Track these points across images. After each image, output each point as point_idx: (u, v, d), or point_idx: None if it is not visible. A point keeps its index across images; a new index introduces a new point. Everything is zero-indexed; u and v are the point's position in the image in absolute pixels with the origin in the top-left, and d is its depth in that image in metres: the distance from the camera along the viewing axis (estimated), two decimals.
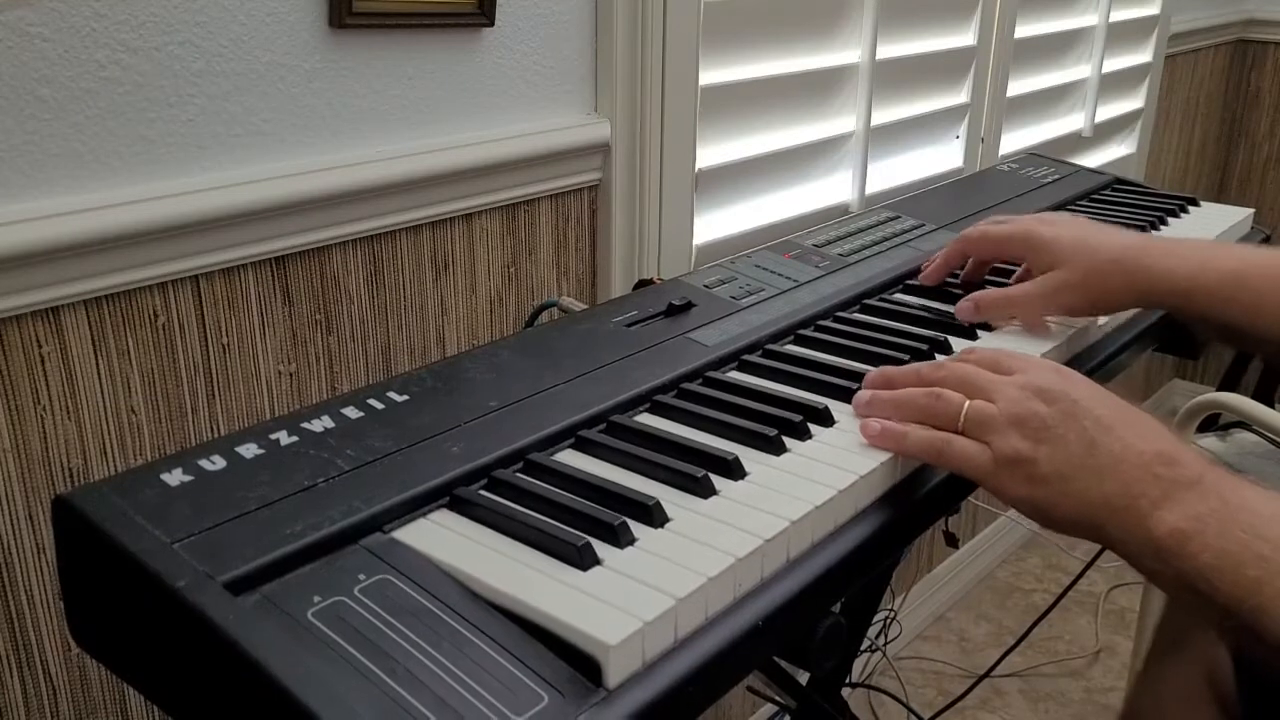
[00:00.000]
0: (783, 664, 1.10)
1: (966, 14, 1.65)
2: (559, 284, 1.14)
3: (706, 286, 0.86)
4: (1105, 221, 1.13)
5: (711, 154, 1.26)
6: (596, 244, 1.17)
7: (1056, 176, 1.30)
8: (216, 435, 0.87)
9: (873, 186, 1.50)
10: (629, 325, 0.78)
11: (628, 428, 0.65)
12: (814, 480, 0.60)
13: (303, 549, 0.50)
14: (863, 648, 1.67)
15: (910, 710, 1.86)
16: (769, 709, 1.72)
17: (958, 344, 0.81)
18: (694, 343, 0.77)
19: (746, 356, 0.77)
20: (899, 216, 1.10)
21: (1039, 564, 2.38)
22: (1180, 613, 0.99)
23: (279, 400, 0.93)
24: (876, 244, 1.01)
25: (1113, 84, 2.12)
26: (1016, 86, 1.81)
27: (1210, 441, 1.67)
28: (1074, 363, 0.85)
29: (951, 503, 0.68)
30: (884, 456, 0.64)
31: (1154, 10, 2.19)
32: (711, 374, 0.74)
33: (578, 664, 0.46)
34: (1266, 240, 1.23)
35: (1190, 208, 1.23)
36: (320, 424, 0.60)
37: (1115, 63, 2.11)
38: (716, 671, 0.50)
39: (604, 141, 1.12)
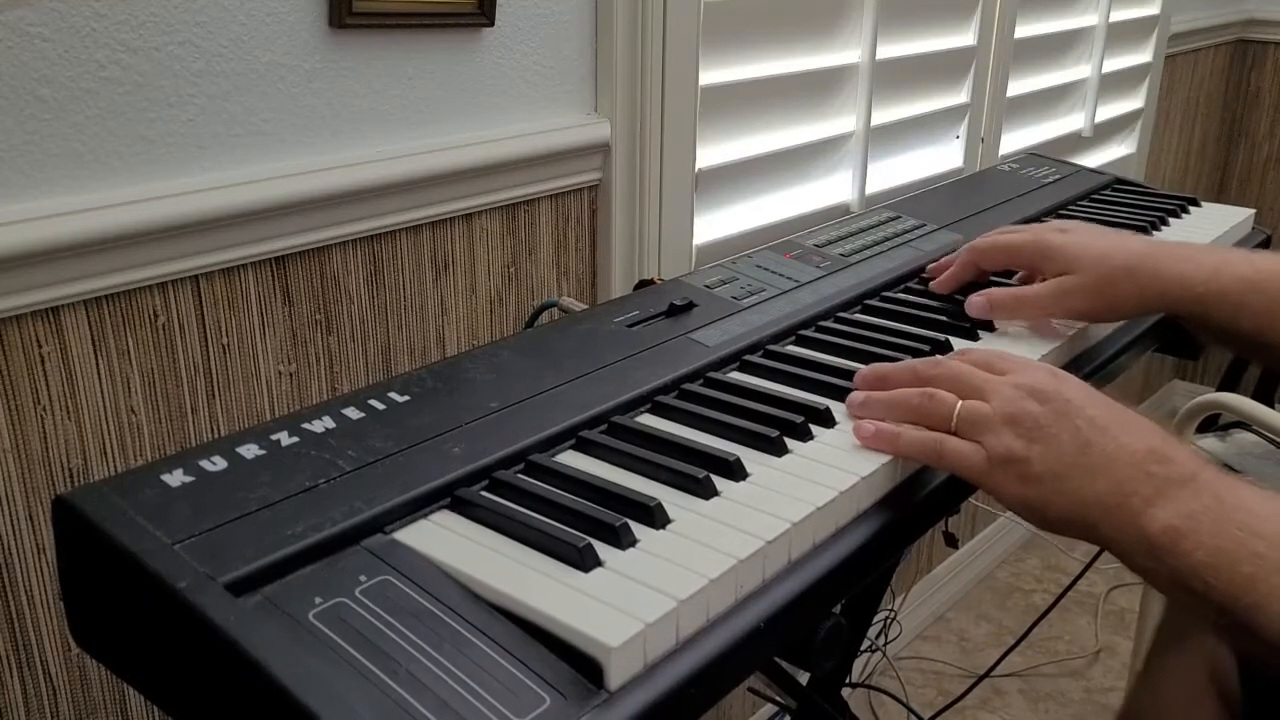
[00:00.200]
0: (783, 664, 1.10)
1: (966, 14, 1.65)
2: (559, 284, 1.14)
3: (707, 287, 0.86)
4: (1105, 222, 1.13)
5: (711, 154, 1.26)
6: (596, 244, 1.17)
7: (1057, 176, 1.30)
8: (217, 435, 0.87)
9: (873, 186, 1.49)
10: (630, 325, 0.78)
11: (629, 428, 0.65)
12: (815, 481, 0.60)
13: (304, 550, 0.50)
14: (863, 648, 1.67)
15: (910, 710, 1.86)
16: (769, 709, 1.72)
17: (959, 344, 0.81)
18: (695, 343, 0.77)
19: (748, 357, 0.77)
20: (900, 216, 1.10)
21: (1039, 564, 2.38)
22: (1182, 611, 0.99)
23: (279, 400, 0.93)
24: (877, 244, 1.01)
25: (1113, 84, 2.12)
26: (1016, 86, 1.81)
27: (1210, 441, 1.67)
28: (1075, 363, 0.85)
29: (952, 504, 0.68)
30: (885, 458, 0.64)
31: (1154, 10, 2.19)
32: (713, 374, 0.73)
33: (579, 665, 0.46)
34: (1267, 240, 1.23)
35: (1190, 208, 1.22)
36: (321, 424, 0.60)
37: (1115, 63, 2.11)
38: (718, 673, 0.50)
39: (604, 141, 1.12)
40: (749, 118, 1.32)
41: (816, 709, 1.19)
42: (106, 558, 0.50)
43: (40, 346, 0.78)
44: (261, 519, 0.52)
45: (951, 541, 1.45)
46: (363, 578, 0.50)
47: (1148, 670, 1.02)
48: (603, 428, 0.65)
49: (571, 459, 0.63)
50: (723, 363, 0.75)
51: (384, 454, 0.58)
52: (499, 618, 0.49)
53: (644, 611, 0.48)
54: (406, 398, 0.64)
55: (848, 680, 1.46)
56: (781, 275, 0.91)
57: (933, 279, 0.93)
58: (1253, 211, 1.24)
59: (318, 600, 0.48)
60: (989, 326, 0.85)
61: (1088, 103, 2.05)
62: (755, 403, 0.69)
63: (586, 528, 0.54)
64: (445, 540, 0.54)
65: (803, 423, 0.66)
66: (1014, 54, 1.77)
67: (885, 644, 1.89)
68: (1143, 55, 2.23)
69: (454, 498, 0.57)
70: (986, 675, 1.92)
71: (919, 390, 0.66)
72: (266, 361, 0.91)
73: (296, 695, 0.43)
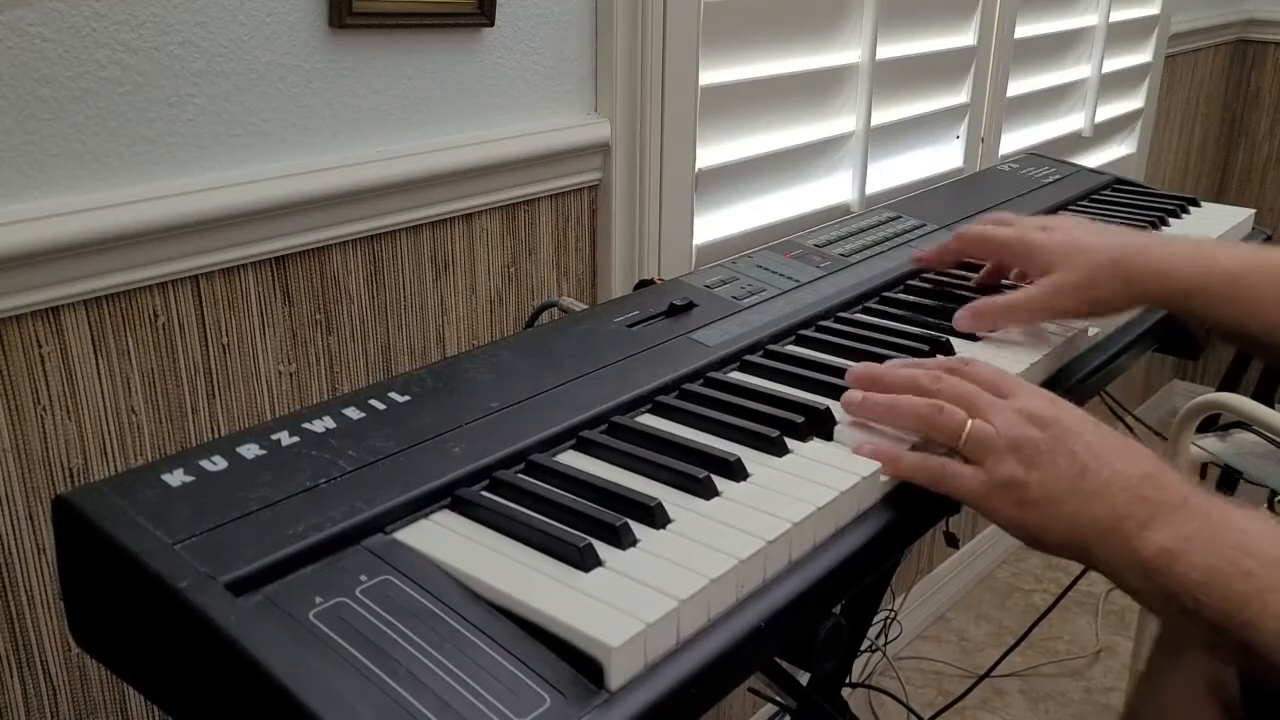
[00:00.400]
0: (783, 664, 1.10)
1: (966, 14, 1.65)
2: (559, 284, 1.14)
3: (707, 287, 0.86)
4: (1106, 222, 1.13)
5: (711, 154, 1.26)
6: (596, 244, 1.17)
7: (1057, 176, 1.30)
8: (217, 435, 0.87)
9: (873, 186, 1.49)
10: (630, 325, 0.78)
11: (629, 428, 0.65)
12: (816, 482, 0.60)
13: (304, 550, 0.50)
14: (863, 648, 1.67)
15: (910, 710, 1.86)
16: (769, 709, 1.72)
17: (959, 345, 0.81)
18: (695, 343, 0.77)
19: (748, 357, 0.77)
20: (900, 216, 1.10)
21: (1039, 564, 2.38)
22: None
23: (279, 400, 0.93)
24: (877, 244, 1.01)
25: (1113, 84, 2.12)
26: (1016, 86, 1.81)
27: (1210, 441, 1.67)
28: (1074, 366, 0.85)
29: (952, 504, 0.68)
30: None
31: (1154, 10, 2.19)
32: (713, 374, 0.73)
33: (580, 665, 0.46)
34: (1267, 240, 1.23)
35: (1190, 208, 1.22)
36: (321, 424, 0.60)
37: (1115, 63, 2.11)
38: (718, 673, 0.50)
39: (604, 141, 1.12)
40: (749, 118, 1.32)
41: (816, 709, 1.19)
42: (106, 558, 0.50)
43: (40, 346, 0.78)
44: (262, 519, 0.52)
45: (951, 541, 1.44)
46: (363, 577, 0.50)
47: (1148, 677, 1.02)
48: (603, 428, 0.65)
49: (572, 459, 0.63)
50: (723, 363, 0.75)
51: (384, 454, 0.58)
52: (499, 617, 0.49)
53: (644, 611, 0.48)
54: (406, 398, 0.64)
55: (848, 680, 1.46)
56: (781, 275, 0.91)
57: (918, 264, 0.94)
58: (1253, 211, 1.24)
59: (318, 600, 0.48)
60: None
61: (1088, 103, 2.05)
62: (755, 403, 0.69)
63: (587, 528, 0.54)
64: (445, 540, 0.54)
65: (803, 423, 0.66)
66: (1014, 54, 1.77)
67: (885, 644, 1.88)
68: (1143, 55, 2.23)
69: (454, 497, 0.57)
70: (986, 675, 1.92)
71: (929, 401, 0.66)
72: (266, 361, 0.91)
73: (297, 695, 0.43)
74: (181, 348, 0.85)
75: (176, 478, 0.54)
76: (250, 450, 0.57)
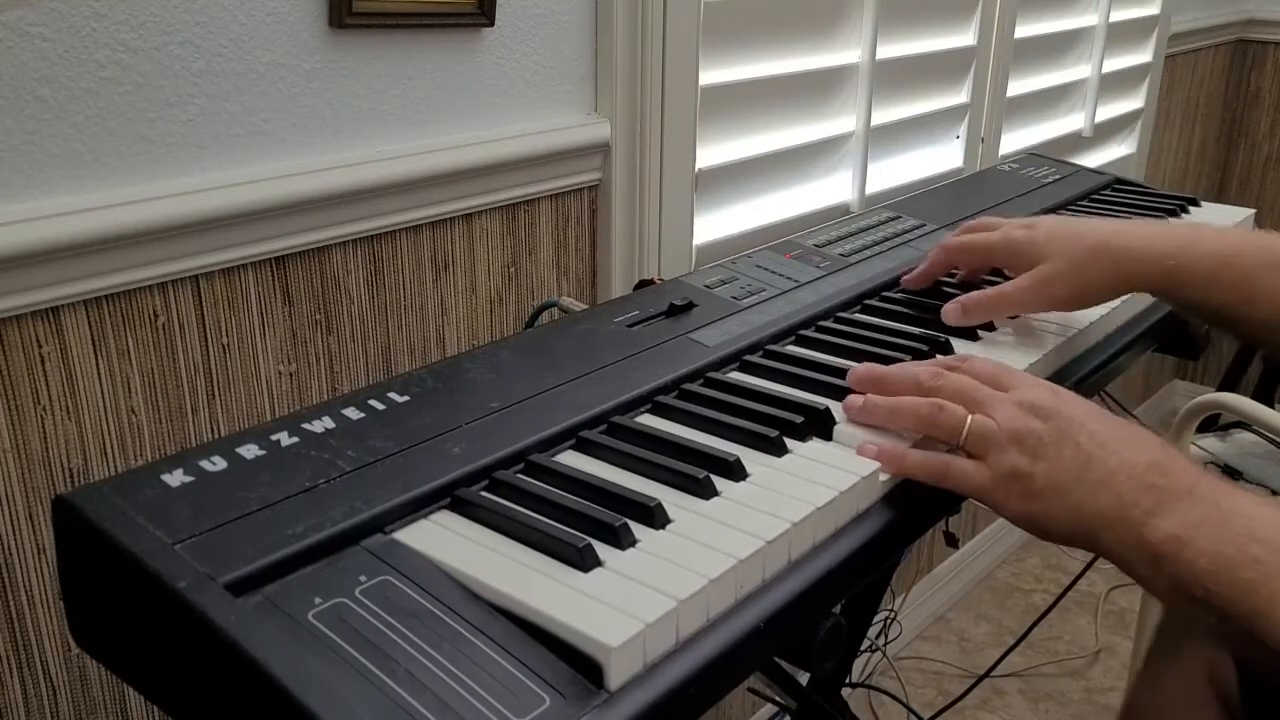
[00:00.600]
0: (783, 664, 1.10)
1: (966, 14, 1.65)
2: (559, 284, 1.14)
3: (707, 287, 0.86)
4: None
5: (711, 154, 1.26)
6: (596, 244, 1.17)
7: (1057, 176, 1.30)
8: (217, 435, 0.87)
9: (873, 186, 1.49)
10: (630, 326, 0.78)
11: (629, 429, 0.65)
12: (815, 482, 0.60)
13: (304, 550, 0.50)
14: (863, 648, 1.67)
15: (910, 710, 1.86)
16: (769, 709, 1.72)
17: (959, 345, 0.81)
18: (695, 343, 0.77)
19: (748, 357, 0.77)
20: (900, 216, 1.10)
21: (1039, 564, 2.38)
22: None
23: (279, 400, 0.93)
24: (877, 244, 1.01)
25: (1113, 84, 2.12)
26: (1016, 86, 1.81)
27: (1210, 441, 1.67)
28: (1075, 364, 0.85)
29: (952, 503, 0.68)
30: None
31: (1154, 10, 2.19)
32: (713, 374, 0.73)
33: (579, 666, 0.46)
34: None
35: (1190, 208, 1.22)
36: (321, 425, 0.60)
37: (1115, 63, 2.11)
38: (718, 673, 0.50)
39: (604, 141, 1.12)
40: (749, 118, 1.32)
41: (816, 709, 1.19)
42: (106, 558, 0.50)
43: (40, 346, 0.78)
44: (261, 519, 0.52)
45: (951, 541, 1.45)
46: (363, 578, 0.50)
47: (1148, 670, 1.02)
48: (603, 428, 0.65)
49: (571, 459, 0.63)
50: (723, 363, 0.75)
51: (384, 454, 0.58)
52: (499, 618, 0.49)
53: (644, 611, 0.48)
54: (406, 398, 0.64)
55: (848, 680, 1.46)
56: (781, 275, 0.91)
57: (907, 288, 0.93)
58: (1253, 211, 1.24)
59: (318, 600, 0.48)
60: (989, 325, 0.85)
61: (1088, 103, 2.05)
62: (755, 403, 0.69)
63: (586, 528, 0.54)
64: (445, 540, 0.54)
65: (803, 423, 0.66)
66: (1014, 54, 1.77)
67: (885, 644, 1.89)
68: (1143, 55, 2.23)
69: (454, 498, 0.57)
70: (986, 675, 1.92)
71: (928, 401, 0.66)
72: (266, 361, 0.91)
73: (296, 695, 0.43)
74: (181, 348, 0.85)
75: (176, 478, 0.54)
76: (250, 450, 0.57)
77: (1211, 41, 2.55)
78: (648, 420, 0.67)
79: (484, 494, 0.57)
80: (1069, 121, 2.04)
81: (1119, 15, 2.06)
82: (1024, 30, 1.79)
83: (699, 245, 1.25)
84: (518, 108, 1.05)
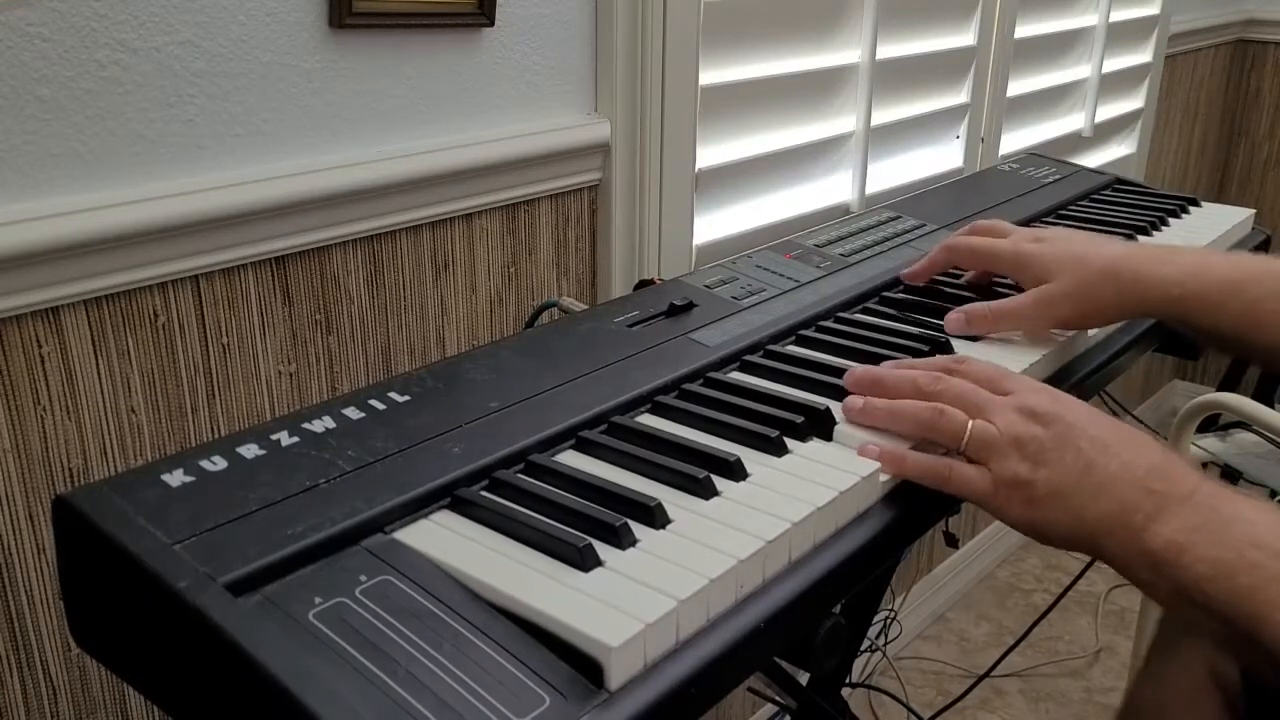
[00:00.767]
0: (783, 664, 1.10)
1: (966, 14, 1.65)
2: (559, 284, 1.14)
3: (707, 287, 0.86)
4: (1106, 221, 1.13)
5: (711, 154, 1.26)
6: (596, 244, 1.17)
7: (1057, 176, 1.30)
8: (217, 435, 0.87)
9: (873, 186, 1.49)
10: (630, 326, 0.78)
11: (629, 428, 0.65)
12: (815, 482, 0.60)
13: (304, 550, 0.50)
14: (863, 648, 1.67)
15: (910, 710, 1.86)
16: (769, 709, 1.72)
17: (959, 344, 0.81)
18: (695, 343, 0.77)
19: (748, 357, 0.77)
20: (900, 216, 1.10)
21: (1039, 564, 2.38)
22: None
23: (279, 400, 0.93)
24: (877, 244, 1.01)
25: (1113, 84, 2.12)
26: (1016, 86, 1.81)
27: (1210, 442, 1.67)
28: (1074, 365, 0.85)
29: (952, 504, 0.68)
30: None
31: (1154, 10, 2.19)
32: (713, 374, 0.73)
33: (579, 665, 0.46)
34: (1267, 240, 1.23)
35: (1190, 208, 1.22)
36: (321, 424, 0.60)
37: (1115, 63, 2.11)
38: (718, 673, 0.50)
39: (604, 141, 1.12)
40: (749, 118, 1.32)
41: (816, 709, 1.19)
42: (106, 558, 0.50)
43: (40, 346, 0.78)
44: (262, 519, 0.52)
45: (951, 541, 1.44)
46: (363, 578, 0.50)
47: (1149, 666, 1.01)
48: (603, 428, 0.65)
49: (571, 459, 0.63)
50: (723, 363, 0.75)
51: (384, 454, 0.58)
52: (499, 618, 0.49)
53: (644, 611, 0.48)
54: (406, 398, 0.64)
55: (848, 680, 1.46)
56: (781, 275, 0.91)
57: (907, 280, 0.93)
58: (1253, 211, 1.24)
59: (318, 600, 0.48)
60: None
61: (1088, 103, 2.05)
62: (755, 403, 0.69)
63: (586, 528, 0.54)
64: (445, 540, 0.54)
65: (803, 423, 0.66)
66: (1014, 54, 1.77)
67: (885, 644, 1.89)
68: (1143, 55, 2.23)
69: (454, 498, 0.57)
70: (986, 675, 1.91)
71: (929, 405, 0.66)
72: (266, 361, 0.91)
73: (296, 695, 0.43)
74: (181, 348, 0.85)
75: (176, 478, 0.54)
76: (250, 450, 0.57)
77: (1211, 41, 2.55)
78: (648, 420, 0.67)
79: (484, 494, 0.57)
80: (1069, 121, 2.04)
81: (1119, 15, 2.06)
82: (1024, 30, 1.79)
83: (699, 245, 1.25)
84: (518, 108, 1.05)
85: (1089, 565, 1.73)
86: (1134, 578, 0.61)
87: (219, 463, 0.56)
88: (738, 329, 0.80)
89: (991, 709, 1.95)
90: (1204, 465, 1.72)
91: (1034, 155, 1.40)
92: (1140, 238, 1.10)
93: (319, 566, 0.50)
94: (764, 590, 0.54)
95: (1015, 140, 1.86)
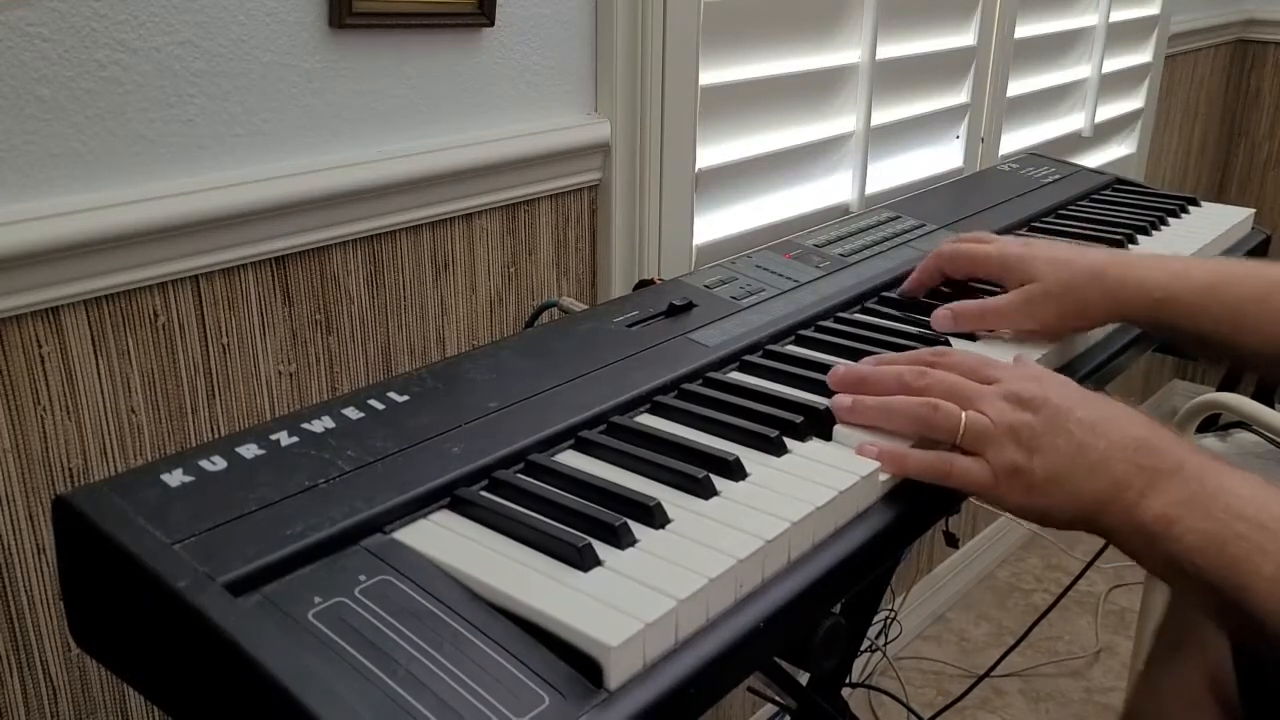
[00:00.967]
0: (783, 664, 1.10)
1: (966, 14, 1.65)
2: (559, 284, 1.14)
3: (707, 287, 0.86)
4: (1106, 221, 1.13)
5: (711, 154, 1.26)
6: (596, 244, 1.17)
7: (1057, 176, 1.30)
8: (216, 435, 0.87)
9: (873, 186, 1.49)
10: (629, 326, 0.78)
11: (628, 428, 0.65)
12: (815, 481, 0.60)
13: (303, 550, 0.50)
14: (863, 648, 1.67)
15: (910, 710, 1.86)
16: (769, 709, 1.72)
17: (958, 344, 0.81)
18: (694, 343, 0.77)
19: (747, 357, 0.77)
20: (899, 216, 1.10)
21: (1039, 564, 2.38)
22: (1181, 614, 0.99)
23: (279, 400, 0.93)
24: (877, 244, 1.01)
25: (1113, 84, 2.12)
26: (1016, 86, 1.81)
27: (1210, 441, 1.66)
28: (1074, 365, 0.85)
29: (952, 503, 0.68)
30: None
31: (1154, 10, 2.19)
32: (712, 374, 0.73)
33: (579, 665, 0.46)
34: (1267, 240, 1.23)
35: (1190, 208, 1.22)
36: (320, 424, 0.60)
37: (1115, 63, 2.11)
38: (718, 672, 0.50)
39: (604, 141, 1.12)
40: (749, 118, 1.32)
41: (816, 709, 1.19)
42: (106, 558, 0.50)
43: (40, 346, 0.78)
44: (261, 519, 0.52)
45: (951, 541, 1.45)
46: (362, 577, 0.50)
47: (1148, 675, 1.02)
48: (602, 428, 0.65)
49: (571, 459, 0.63)
50: (722, 363, 0.75)
51: (384, 454, 0.58)
52: (498, 617, 0.49)
53: (644, 611, 0.48)
54: (406, 398, 0.64)
55: (848, 680, 1.46)
56: (781, 275, 0.91)
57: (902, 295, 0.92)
58: (1253, 211, 1.24)
59: (317, 600, 0.48)
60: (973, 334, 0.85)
61: (1088, 103, 2.05)
62: (755, 403, 0.69)
63: (586, 527, 0.54)
64: (445, 540, 0.54)
65: (802, 423, 0.66)
66: (1014, 54, 1.77)
67: (885, 644, 1.89)
68: (1143, 55, 2.23)
69: (454, 497, 0.57)
70: (986, 675, 1.91)
71: (921, 401, 0.66)
72: (266, 361, 0.91)
73: (296, 695, 0.43)
74: (181, 348, 0.85)
75: (176, 478, 0.54)
76: (250, 450, 0.57)
77: (1211, 41, 2.55)
78: (647, 420, 0.68)
79: (484, 494, 0.57)
80: (1069, 121, 2.04)
81: (1119, 15, 2.06)
82: (1024, 30, 1.79)
83: (699, 245, 1.25)
84: (518, 108, 1.05)
85: (1089, 565, 1.73)
86: (1130, 551, 0.62)
87: (219, 463, 0.56)
88: (737, 329, 0.80)
89: (991, 709, 1.95)
90: None
91: (1034, 155, 1.40)
92: (1140, 237, 1.10)
93: (318, 566, 0.50)
94: (763, 590, 0.54)
95: (1015, 140, 1.86)
